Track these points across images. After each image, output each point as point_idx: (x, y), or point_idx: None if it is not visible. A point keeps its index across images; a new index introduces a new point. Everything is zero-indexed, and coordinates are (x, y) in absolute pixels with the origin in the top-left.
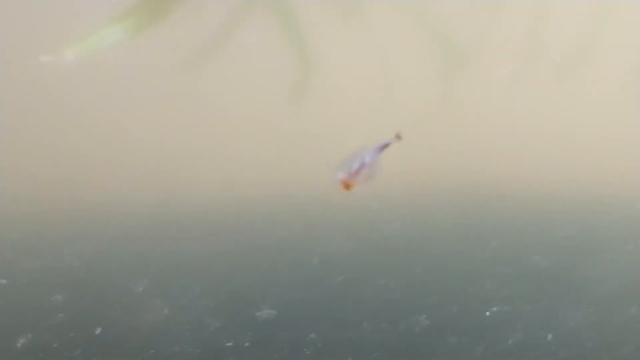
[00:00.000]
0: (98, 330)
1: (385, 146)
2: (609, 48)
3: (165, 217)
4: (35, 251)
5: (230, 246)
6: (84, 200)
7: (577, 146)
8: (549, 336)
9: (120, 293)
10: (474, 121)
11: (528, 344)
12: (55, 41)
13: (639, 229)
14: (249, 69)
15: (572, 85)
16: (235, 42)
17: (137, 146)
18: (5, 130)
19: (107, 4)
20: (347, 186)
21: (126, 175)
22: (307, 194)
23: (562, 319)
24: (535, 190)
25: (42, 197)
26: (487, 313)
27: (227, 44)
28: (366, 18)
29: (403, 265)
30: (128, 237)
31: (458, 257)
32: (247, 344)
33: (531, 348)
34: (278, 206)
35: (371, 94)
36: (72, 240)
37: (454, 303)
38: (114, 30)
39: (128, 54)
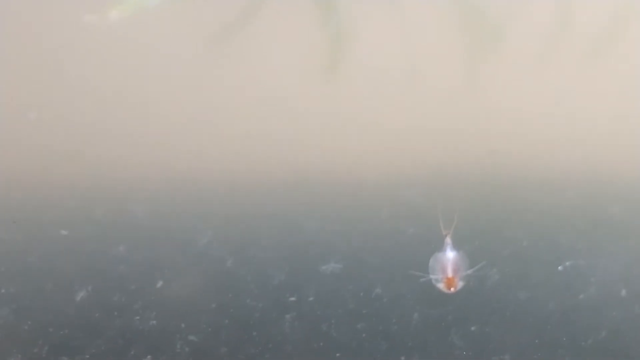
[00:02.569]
0: (159, 284)
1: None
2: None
3: (230, 174)
4: (99, 202)
5: (295, 200)
6: (150, 155)
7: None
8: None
9: (184, 245)
10: (499, 100)
11: (601, 300)
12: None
13: None
14: (280, 44)
15: (600, 69)
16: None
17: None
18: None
19: None
20: (450, 284)
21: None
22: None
23: (637, 274)
24: None
25: (106, 151)
26: (560, 268)
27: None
28: None
29: (472, 218)
30: (192, 190)
31: (531, 209)
32: (311, 298)
33: (604, 304)
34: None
35: (400, 72)
36: (137, 192)
37: (525, 257)
38: None
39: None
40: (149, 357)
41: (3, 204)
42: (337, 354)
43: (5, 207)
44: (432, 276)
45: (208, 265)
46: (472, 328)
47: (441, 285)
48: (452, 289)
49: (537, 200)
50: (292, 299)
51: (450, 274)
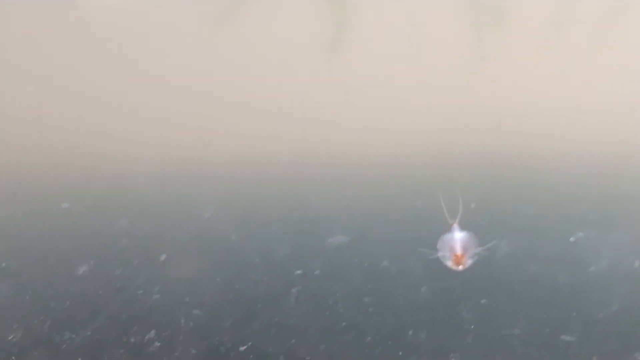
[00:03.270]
0: (163, 258)
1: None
2: None
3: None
4: (101, 175)
5: (300, 173)
6: (154, 130)
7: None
8: (637, 263)
9: (188, 219)
10: (503, 78)
11: (613, 272)
12: None
13: None
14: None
15: (605, 48)
16: None
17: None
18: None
19: None
20: (459, 261)
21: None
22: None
23: None
24: None
25: (108, 124)
26: (572, 239)
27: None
28: None
29: (483, 192)
30: (196, 164)
31: (541, 182)
32: (317, 272)
33: (616, 276)
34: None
35: (404, 50)
36: (140, 165)
37: (536, 229)
38: None
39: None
40: (152, 331)
41: (3, 177)
42: (343, 328)
43: (5, 180)
44: (440, 253)
45: (212, 239)
46: (482, 301)
47: (450, 263)
48: (460, 267)
49: (548, 173)
50: (298, 272)
51: (458, 251)
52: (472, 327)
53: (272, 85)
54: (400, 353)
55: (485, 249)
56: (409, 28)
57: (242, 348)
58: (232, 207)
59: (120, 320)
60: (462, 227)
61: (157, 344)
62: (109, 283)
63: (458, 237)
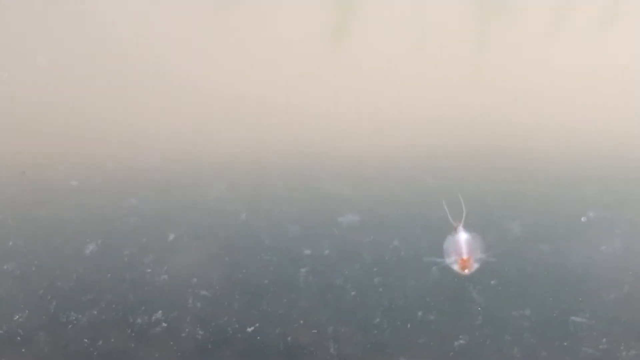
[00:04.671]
0: (171, 237)
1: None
2: None
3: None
4: (110, 153)
5: (310, 152)
6: (163, 107)
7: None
8: None
9: (197, 198)
10: (506, 67)
11: (625, 252)
12: None
13: None
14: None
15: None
16: None
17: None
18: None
19: None
20: (465, 265)
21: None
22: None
23: None
24: None
25: (118, 102)
26: (583, 219)
27: None
28: None
29: (494, 171)
30: (205, 142)
31: (554, 161)
32: (326, 252)
33: (628, 256)
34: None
35: (407, 37)
36: (149, 143)
37: (547, 209)
38: None
39: None
40: (159, 312)
41: (12, 154)
42: (353, 309)
43: (15, 158)
44: (447, 259)
45: (221, 218)
46: (492, 282)
47: (456, 267)
48: (466, 271)
49: (561, 152)
50: (307, 252)
51: (464, 255)
52: (482, 308)
53: (281, 71)
54: (410, 334)
55: (490, 255)
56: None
57: (250, 329)
58: (242, 186)
59: (127, 300)
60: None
61: (164, 324)
62: (117, 263)
63: (463, 239)
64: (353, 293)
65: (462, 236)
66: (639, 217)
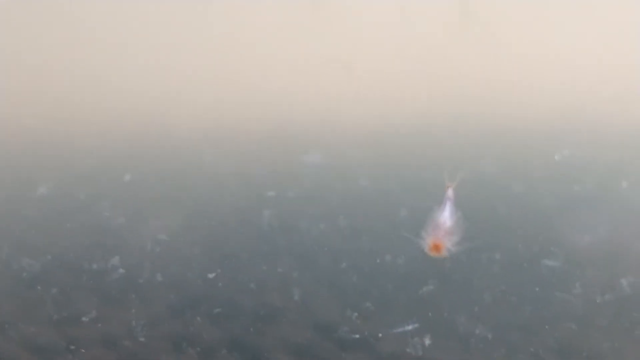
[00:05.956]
0: (127, 178)
1: (449, 199)
2: None
3: None
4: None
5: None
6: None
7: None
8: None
9: (157, 136)
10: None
11: (600, 192)
12: None
13: None
14: None
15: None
16: None
17: None
18: None
19: None
20: (436, 248)
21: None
22: None
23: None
24: None
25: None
26: (557, 157)
27: None
28: None
29: (469, 109)
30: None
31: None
32: (290, 193)
33: (603, 197)
34: None
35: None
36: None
37: (521, 147)
38: None
39: None
40: (116, 257)
41: None
42: (318, 254)
43: None
44: (421, 240)
45: (182, 158)
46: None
47: (426, 247)
48: (435, 254)
49: (536, 97)
50: (271, 194)
51: (439, 238)
52: (450, 252)
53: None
54: (376, 279)
55: (463, 248)
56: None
57: (211, 275)
58: (207, 127)
59: (82, 245)
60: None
61: (121, 270)
62: (71, 206)
63: (446, 219)
64: (317, 236)
65: (445, 215)
66: (614, 155)
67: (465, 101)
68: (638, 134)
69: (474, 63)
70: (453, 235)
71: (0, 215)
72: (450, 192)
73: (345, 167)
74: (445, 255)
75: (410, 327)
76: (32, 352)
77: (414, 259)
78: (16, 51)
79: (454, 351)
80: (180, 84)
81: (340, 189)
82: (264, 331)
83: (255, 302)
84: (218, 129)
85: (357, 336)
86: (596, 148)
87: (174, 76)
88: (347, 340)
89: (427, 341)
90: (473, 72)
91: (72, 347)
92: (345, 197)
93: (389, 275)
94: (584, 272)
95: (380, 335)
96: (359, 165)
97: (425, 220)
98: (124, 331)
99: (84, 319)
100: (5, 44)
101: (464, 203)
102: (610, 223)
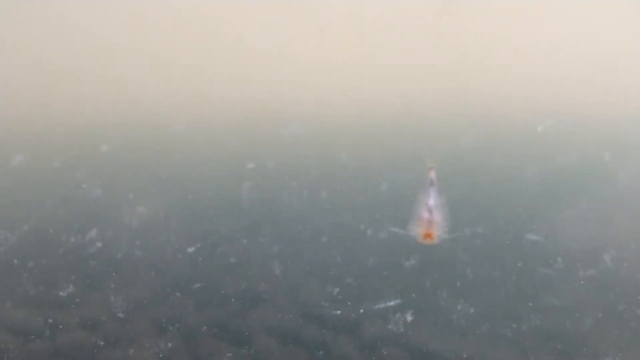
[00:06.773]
0: (104, 148)
1: (432, 183)
2: None
3: None
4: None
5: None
6: None
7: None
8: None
9: (130, 107)
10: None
11: (583, 164)
12: None
13: None
14: None
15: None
16: None
17: None
18: None
19: None
20: (428, 236)
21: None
22: None
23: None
24: None
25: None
26: (539, 128)
27: None
28: None
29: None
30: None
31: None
32: (271, 165)
33: (586, 168)
34: None
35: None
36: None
37: (501, 117)
38: None
39: None
40: (94, 231)
41: None
42: (299, 227)
43: None
44: (409, 232)
45: (158, 128)
46: (443, 198)
47: (417, 237)
48: (428, 242)
49: (520, 68)
50: (250, 166)
51: (429, 227)
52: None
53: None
54: (357, 253)
55: (452, 236)
56: None
57: (191, 250)
58: (184, 98)
59: (58, 216)
60: None
61: (99, 244)
62: (46, 176)
63: (432, 213)
64: (298, 208)
65: (431, 202)
66: (597, 127)
67: (448, 78)
68: (620, 108)
69: (457, 43)
70: (442, 223)
71: None
72: (433, 175)
73: (326, 139)
74: (436, 241)
75: (392, 303)
76: (9, 326)
77: (394, 233)
78: None
79: (436, 326)
80: (159, 60)
81: (321, 162)
82: (244, 306)
83: (235, 276)
84: (196, 100)
85: (339, 312)
86: (579, 120)
87: (152, 51)
88: (329, 316)
89: (409, 317)
90: (457, 51)
91: (50, 321)
92: (325, 170)
93: (370, 249)
94: (565, 246)
95: (361, 311)
96: (340, 138)
97: (407, 198)
98: (102, 307)
99: (61, 293)
100: None
101: (446, 179)
102: (592, 195)
